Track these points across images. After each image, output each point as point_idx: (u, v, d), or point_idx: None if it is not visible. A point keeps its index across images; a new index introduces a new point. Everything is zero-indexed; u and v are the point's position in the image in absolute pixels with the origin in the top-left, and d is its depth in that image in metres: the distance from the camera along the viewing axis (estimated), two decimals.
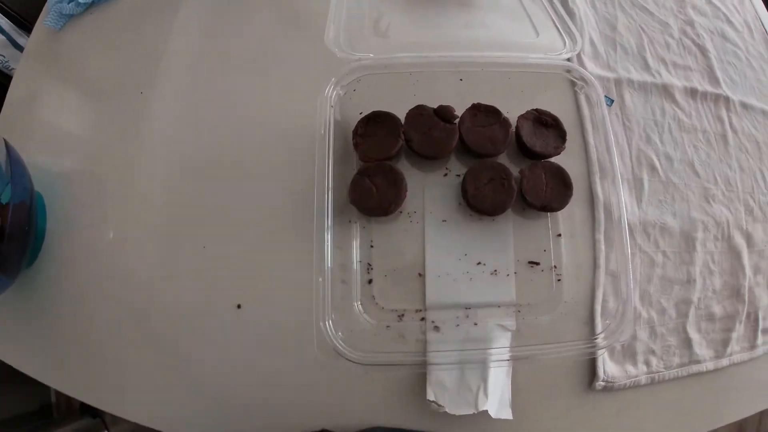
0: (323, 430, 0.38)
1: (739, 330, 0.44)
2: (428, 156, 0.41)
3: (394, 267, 0.40)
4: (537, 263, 0.40)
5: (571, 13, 0.50)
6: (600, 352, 0.38)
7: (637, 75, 0.49)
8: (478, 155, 0.41)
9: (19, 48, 0.66)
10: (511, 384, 0.38)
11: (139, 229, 0.43)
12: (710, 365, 0.43)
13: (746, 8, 0.59)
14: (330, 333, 0.35)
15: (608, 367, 0.40)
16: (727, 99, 0.51)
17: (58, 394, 0.89)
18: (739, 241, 0.46)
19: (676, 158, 0.47)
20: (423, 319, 0.39)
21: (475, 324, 0.39)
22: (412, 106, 0.41)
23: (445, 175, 0.42)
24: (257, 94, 0.46)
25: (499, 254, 0.40)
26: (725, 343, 0.44)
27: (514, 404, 0.37)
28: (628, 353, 0.41)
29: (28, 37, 0.52)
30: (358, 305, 0.39)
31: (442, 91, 0.43)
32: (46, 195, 0.44)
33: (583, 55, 0.49)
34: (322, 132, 0.38)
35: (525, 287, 0.40)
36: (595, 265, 0.41)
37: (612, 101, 0.48)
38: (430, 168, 0.42)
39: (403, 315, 0.39)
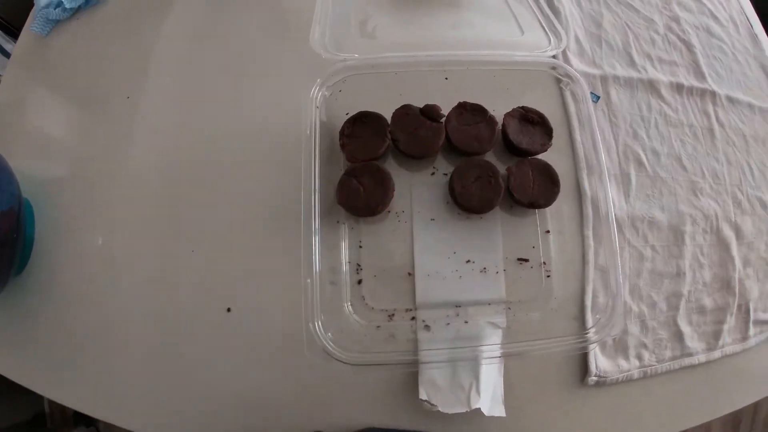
0: None
1: (731, 322, 0.44)
2: (415, 155, 0.41)
3: (384, 267, 0.40)
4: (526, 260, 0.40)
5: (556, 12, 0.51)
6: (591, 346, 0.38)
7: (622, 71, 0.50)
8: (464, 154, 0.41)
9: (6, 54, 0.66)
10: (504, 381, 0.38)
11: (128, 234, 0.43)
12: (702, 358, 0.43)
13: (731, 4, 0.59)
14: (319, 334, 0.35)
15: (600, 362, 0.40)
16: (713, 93, 0.51)
17: (52, 403, 0.89)
18: (728, 233, 0.46)
19: (663, 153, 0.47)
20: (413, 318, 0.39)
21: (466, 322, 0.39)
22: (398, 106, 0.41)
23: (433, 174, 0.42)
24: (243, 97, 0.46)
25: (487, 252, 0.40)
26: (717, 335, 0.44)
27: (507, 401, 0.37)
28: (620, 348, 0.41)
29: (15, 43, 0.52)
30: (348, 306, 0.39)
31: (428, 90, 0.43)
32: (34, 201, 0.44)
33: (568, 53, 0.49)
34: (308, 133, 0.38)
35: (515, 284, 0.40)
36: (584, 261, 0.41)
37: (598, 97, 0.48)
38: (417, 167, 0.42)
39: (393, 315, 0.39)
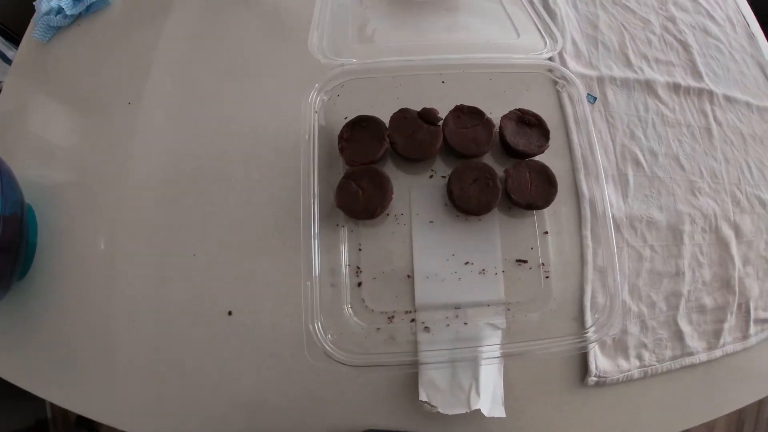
0: None
1: (731, 321, 0.44)
2: (413, 158, 0.41)
3: (383, 269, 0.40)
4: (525, 261, 0.41)
5: (552, 14, 0.51)
6: (590, 346, 0.38)
7: (619, 72, 0.50)
8: (462, 156, 0.42)
9: (8, 61, 0.67)
10: (503, 382, 0.38)
11: (130, 238, 0.43)
12: (703, 357, 0.43)
13: (728, 3, 0.60)
14: (320, 336, 0.35)
15: (600, 362, 0.40)
16: (710, 93, 0.51)
17: (54, 408, 0.89)
18: (727, 232, 0.46)
19: (661, 153, 0.47)
20: (413, 320, 0.39)
21: (465, 323, 0.39)
22: (396, 110, 0.42)
23: (431, 176, 0.42)
24: (243, 103, 0.46)
25: (486, 253, 0.40)
26: (717, 334, 0.44)
27: (507, 402, 0.37)
28: (620, 348, 0.41)
29: (16, 49, 0.53)
30: (347, 308, 0.39)
31: (426, 94, 0.43)
32: (36, 207, 0.44)
33: (565, 54, 0.49)
34: (307, 137, 0.38)
35: (514, 285, 0.40)
36: (582, 261, 0.41)
37: (595, 99, 0.48)
38: (415, 170, 0.43)
39: (393, 317, 0.39)
